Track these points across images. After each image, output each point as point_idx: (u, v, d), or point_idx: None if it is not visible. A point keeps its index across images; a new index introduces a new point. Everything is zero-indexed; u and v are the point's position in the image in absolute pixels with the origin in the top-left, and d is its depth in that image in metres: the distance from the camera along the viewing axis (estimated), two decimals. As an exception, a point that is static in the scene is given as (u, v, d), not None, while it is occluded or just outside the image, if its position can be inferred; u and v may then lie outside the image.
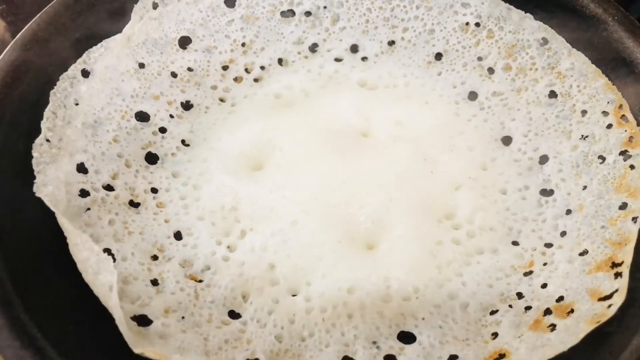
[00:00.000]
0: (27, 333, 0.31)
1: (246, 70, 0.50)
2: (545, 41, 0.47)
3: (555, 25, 0.47)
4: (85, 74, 0.44)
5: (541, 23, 0.47)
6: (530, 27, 0.48)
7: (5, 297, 0.32)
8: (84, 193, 0.40)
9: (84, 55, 0.44)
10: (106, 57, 0.45)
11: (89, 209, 0.40)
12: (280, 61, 0.51)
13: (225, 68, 0.50)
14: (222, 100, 0.49)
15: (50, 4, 0.44)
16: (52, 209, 0.36)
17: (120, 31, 0.46)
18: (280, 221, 0.40)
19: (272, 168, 0.43)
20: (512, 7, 0.48)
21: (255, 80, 0.50)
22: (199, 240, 0.41)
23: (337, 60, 0.51)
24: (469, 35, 0.50)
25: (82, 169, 0.41)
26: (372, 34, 0.52)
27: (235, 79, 0.50)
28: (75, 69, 0.43)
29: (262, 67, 0.51)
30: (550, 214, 0.41)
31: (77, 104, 0.43)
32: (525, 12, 0.48)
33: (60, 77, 0.42)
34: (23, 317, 0.32)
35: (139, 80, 0.46)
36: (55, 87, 0.42)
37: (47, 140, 0.40)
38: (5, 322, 0.31)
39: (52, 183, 0.38)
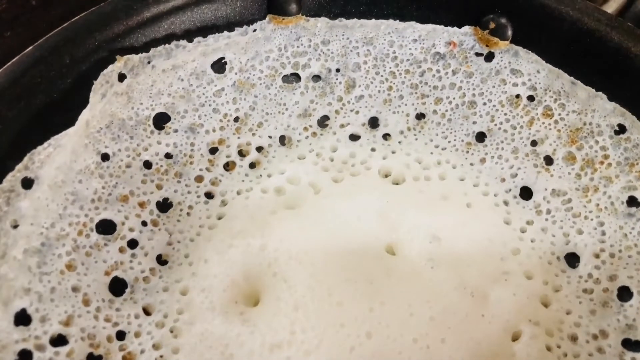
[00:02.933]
0: None
1: (240, 152, 0.40)
2: (622, 129, 0.37)
3: (638, 111, 0.36)
4: (28, 183, 0.33)
5: (618, 105, 0.37)
6: (602, 108, 0.38)
7: None
8: (23, 357, 0.30)
9: (26, 158, 0.33)
10: (57, 156, 0.34)
11: (29, 381, 0.30)
12: (282, 140, 0.41)
13: (213, 151, 0.40)
14: (209, 196, 0.39)
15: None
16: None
17: (77, 118, 0.35)
18: (285, 397, 0.30)
19: (273, 307, 0.33)
20: (577, 81, 0.38)
21: (252, 165, 0.40)
22: (178, 416, 0.31)
23: (353, 138, 0.41)
24: (520, 112, 0.40)
25: (22, 319, 0.31)
26: (396, 105, 0.42)
27: (227, 166, 0.40)
28: (13, 179, 0.33)
29: (260, 149, 0.41)
30: (641, 380, 0.32)
31: (16, 227, 0.32)
32: (596, 90, 0.37)
33: (-8, 194, 0.32)
34: None
35: (101, 177, 0.36)
36: (-17, 209, 0.31)
37: (-29, 292, 0.30)
38: None
39: (-26, 361, 0.28)
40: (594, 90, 0.38)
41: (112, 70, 0.37)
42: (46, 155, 0.34)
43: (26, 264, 0.32)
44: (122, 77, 0.38)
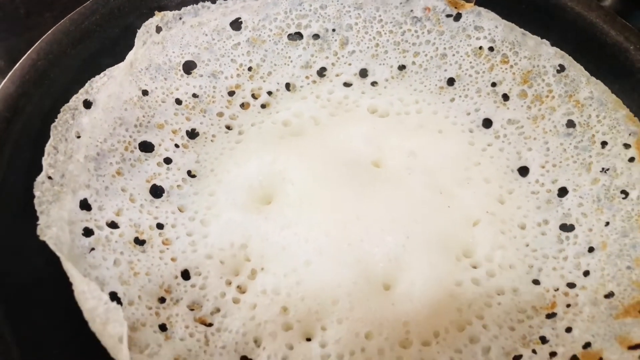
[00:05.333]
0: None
1: (253, 95, 0.49)
2: (562, 68, 0.46)
3: (573, 52, 0.45)
4: (88, 104, 0.42)
5: (558, 49, 0.46)
6: (546, 53, 0.46)
7: (6, 353, 0.31)
8: (87, 232, 0.38)
9: (87, 85, 0.42)
10: (109, 85, 0.43)
11: (93, 249, 0.38)
12: (288, 86, 0.49)
13: (231, 94, 0.48)
14: (228, 128, 0.47)
15: (49, 32, 0.42)
16: (57, 253, 0.34)
17: (123, 58, 0.44)
18: (292, 261, 0.39)
19: (283, 202, 0.42)
20: (527, 32, 0.47)
21: (263, 106, 0.48)
22: (207, 280, 0.39)
23: (347, 85, 0.50)
24: (482, 60, 0.49)
25: (85, 205, 0.39)
26: (382, 58, 0.50)
27: (242, 105, 0.48)
28: (77, 99, 0.41)
29: (270, 93, 0.49)
30: (572, 252, 0.40)
31: (79, 137, 0.41)
32: (542, 38, 0.46)
33: (62, 109, 0.40)
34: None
35: (142, 108, 0.45)
36: (56, 120, 0.40)
37: (49, 178, 0.38)
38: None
39: (55, 224, 0.36)
40: (539, 38, 0.46)
41: (151, 23, 0.46)
42: (102, 83, 0.43)
43: (86, 166, 0.40)
44: (158, 29, 0.46)
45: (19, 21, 0.64)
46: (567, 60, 0.46)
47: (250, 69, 0.49)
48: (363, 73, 0.50)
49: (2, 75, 0.40)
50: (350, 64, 0.50)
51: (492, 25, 0.48)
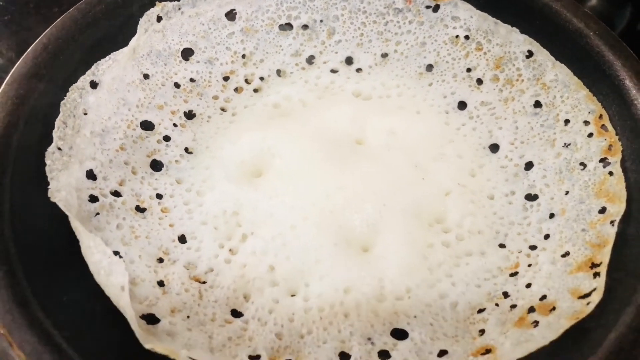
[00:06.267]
0: (45, 331, 0.33)
1: (246, 81, 0.53)
2: (530, 54, 0.50)
3: (541, 39, 0.49)
4: (94, 85, 0.46)
5: (527, 36, 0.50)
6: (516, 40, 0.50)
7: (23, 298, 0.34)
8: (93, 198, 0.42)
9: (93, 67, 0.46)
10: (113, 68, 0.47)
11: (98, 213, 0.42)
12: (278, 72, 0.53)
13: (226, 79, 0.52)
14: (223, 110, 0.51)
15: (59, 19, 0.46)
16: (66, 212, 0.38)
17: (127, 44, 0.48)
18: (279, 226, 0.42)
19: (272, 175, 0.45)
20: (499, 21, 0.51)
21: (255, 90, 0.52)
22: (202, 243, 0.43)
23: (333, 71, 0.54)
24: (458, 48, 0.52)
25: (91, 175, 0.43)
26: (367, 47, 0.54)
27: (236, 90, 0.52)
28: (84, 80, 0.45)
29: (262, 78, 0.53)
30: (535, 218, 0.43)
31: (85, 114, 0.45)
32: (512, 26, 0.50)
33: (70, 88, 0.44)
34: (40, 316, 0.34)
35: (143, 90, 0.49)
36: (65, 97, 0.44)
37: (59, 149, 0.42)
38: (24, 321, 0.33)
39: (64, 189, 0.40)
40: (510, 26, 0.50)
41: (153, 12, 0.50)
42: (107, 66, 0.47)
43: (92, 141, 0.44)
44: (159, 19, 0.50)
45: (28, 15, 0.68)
46: (535, 47, 0.50)
47: (243, 56, 0.53)
48: (349, 60, 0.54)
49: (12, 66, 0.44)
50: (336, 52, 0.54)
51: (467, 16, 0.52)
